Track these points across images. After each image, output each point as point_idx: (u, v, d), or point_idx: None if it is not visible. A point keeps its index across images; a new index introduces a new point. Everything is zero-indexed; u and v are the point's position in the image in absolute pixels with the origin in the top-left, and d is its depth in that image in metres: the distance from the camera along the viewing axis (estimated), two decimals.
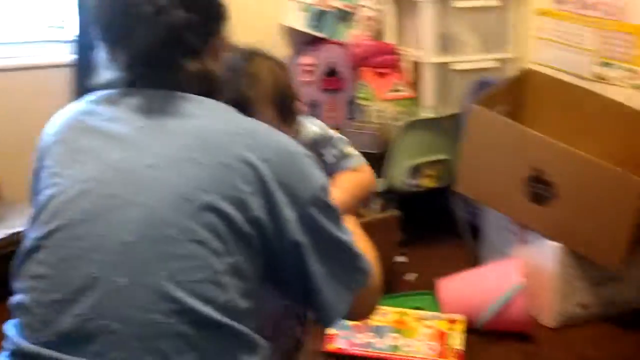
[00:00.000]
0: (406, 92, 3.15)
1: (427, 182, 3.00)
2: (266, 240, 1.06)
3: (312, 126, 1.61)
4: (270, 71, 1.48)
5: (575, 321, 2.61)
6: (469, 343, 2.44)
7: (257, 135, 1.10)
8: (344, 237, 1.14)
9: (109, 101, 1.13)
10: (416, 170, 2.96)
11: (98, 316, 1.00)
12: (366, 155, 2.86)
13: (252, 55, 1.50)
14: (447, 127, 2.94)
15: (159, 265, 1.00)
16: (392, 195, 2.94)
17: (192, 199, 1.01)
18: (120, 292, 1.00)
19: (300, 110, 1.55)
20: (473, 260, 2.95)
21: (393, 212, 2.68)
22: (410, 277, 2.92)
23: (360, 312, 1.28)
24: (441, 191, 3.01)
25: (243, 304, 1.05)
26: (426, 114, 3.09)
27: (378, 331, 2.46)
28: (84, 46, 2.68)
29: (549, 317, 2.62)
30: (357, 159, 1.63)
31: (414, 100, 3.17)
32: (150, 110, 1.09)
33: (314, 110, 3.21)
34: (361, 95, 3.16)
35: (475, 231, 3.02)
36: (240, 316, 1.05)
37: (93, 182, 1.06)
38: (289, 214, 1.06)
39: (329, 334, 2.43)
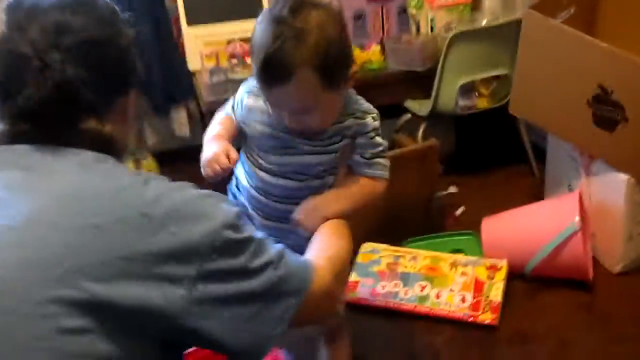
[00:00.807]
0: None
1: (482, 103, 2.60)
2: (143, 316, 0.90)
3: (369, 117, 1.44)
4: (320, 28, 1.26)
5: None
6: (513, 292, 2.12)
7: (136, 192, 0.95)
8: (262, 265, 1.01)
9: None
10: (469, 89, 2.56)
11: None
12: (412, 73, 2.56)
13: (301, 4, 1.28)
14: (508, 37, 2.50)
15: None
16: (439, 118, 2.59)
17: (46, 268, 0.87)
18: None
19: (352, 75, 1.36)
20: (537, 189, 2.57)
21: (431, 142, 2.33)
22: (458, 211, 2.58)
23: (311, 320, 1.18)
24: (501, 111, 2.60)
25: None
26: (483, 21, 2.65)
27: (405, 279, 2.17)
28: None
29: (613, 261, 2.23)
30: (382, 171, 1.48)
31: (471, 6, 2.73)
32: (23, 167, 0.98)
33: (359, 22, 2.85)
34: (411, 3, 2.76)
35: (542, 155, 2.61)
36: None
37: None
38: (176, 277, 0.91)
39: (350, 282, 2.18)
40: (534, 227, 2.20)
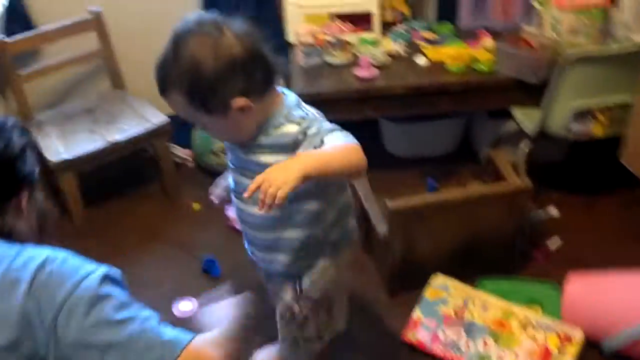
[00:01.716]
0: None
1: (597, 130, 2.30)
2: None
3: (289, 124, 1.38)
4: (193, 57, 1.31)
5: None
6: None
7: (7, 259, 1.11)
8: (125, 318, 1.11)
9: None
10: (584, 114, 2.26)
11: None
12: (521, 84, 2.28)
13: (190, 31, 1.32)
14: (635, 62, 2.16)
15: None
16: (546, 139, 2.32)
17: None
18: None
19: (240, 105, 1.33)
20: None
21: (525, 183, 2.09)
22: (553, 244, 2.35)
23: None
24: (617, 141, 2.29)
25: None
26: (622, 33, 2.28)
27: (470, 330, 2.04)
28: None
29: None
30: (343, 137, 1.34)
31: (606, 13, 2.35)
32: None
33: (481, 4, 2.55)
34: None
35: None
36: None
37: None
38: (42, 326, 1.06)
39: (413, 319, 2.08)
40: (627, 300, 1.97)
